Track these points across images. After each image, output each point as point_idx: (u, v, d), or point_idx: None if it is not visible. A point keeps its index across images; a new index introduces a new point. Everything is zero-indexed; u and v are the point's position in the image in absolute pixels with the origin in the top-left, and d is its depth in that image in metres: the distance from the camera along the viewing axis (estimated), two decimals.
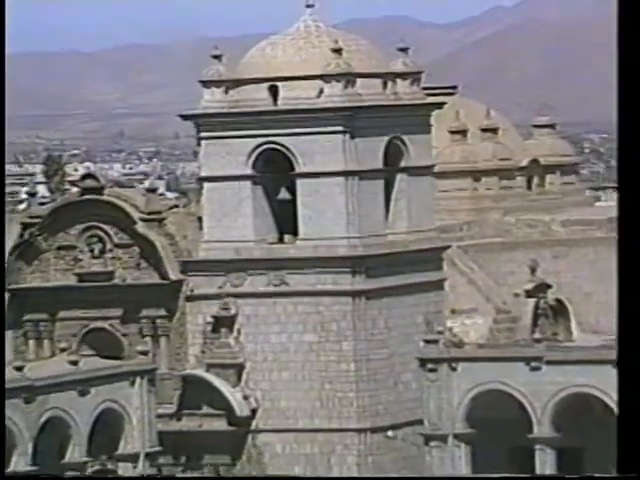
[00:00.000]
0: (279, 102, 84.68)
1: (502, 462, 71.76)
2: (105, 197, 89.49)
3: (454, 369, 71.74)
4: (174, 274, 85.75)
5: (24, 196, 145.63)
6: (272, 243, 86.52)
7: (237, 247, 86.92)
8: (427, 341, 74.33)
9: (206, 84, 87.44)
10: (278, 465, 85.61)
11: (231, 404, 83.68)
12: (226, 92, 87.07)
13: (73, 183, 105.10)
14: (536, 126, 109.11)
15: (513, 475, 56.74)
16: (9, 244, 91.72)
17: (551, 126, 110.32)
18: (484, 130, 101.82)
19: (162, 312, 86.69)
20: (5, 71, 40.76)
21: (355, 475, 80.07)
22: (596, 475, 57.32)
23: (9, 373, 73.12)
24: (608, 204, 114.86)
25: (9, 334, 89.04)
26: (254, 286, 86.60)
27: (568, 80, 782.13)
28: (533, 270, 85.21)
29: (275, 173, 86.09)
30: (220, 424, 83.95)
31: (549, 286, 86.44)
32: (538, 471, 70.69)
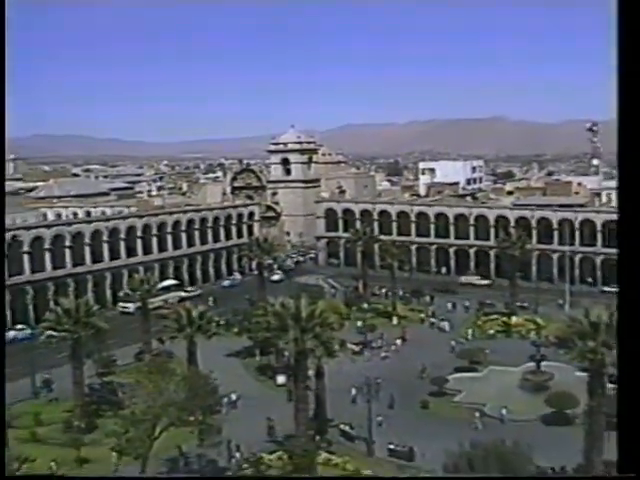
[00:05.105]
0: (288, 148, 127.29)
1: None
2: (251, 167, 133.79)
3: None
4: (264, 183, 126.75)
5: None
6: (286, 175, 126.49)
7: (277, 179, 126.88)
8: (316, 201, 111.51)
9: (271, 144, 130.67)
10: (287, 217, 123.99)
11: (276, 209, 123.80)
12: (275, 145, 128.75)
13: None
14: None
15: (514, 476, 31.30)
16: (230, 177, 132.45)
17: (345, 162, 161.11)
18: (329, 154, 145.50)
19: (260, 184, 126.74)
20: (5, 70, 24.22)
21: None
22: (596, 475, 34.17)
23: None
24: (361, 171, 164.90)
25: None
26: (281, 184, 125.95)
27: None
28: (340, 187, 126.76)
29: (285, 160, 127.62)
30: (275, 215, 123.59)
31: (341, 185, 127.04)
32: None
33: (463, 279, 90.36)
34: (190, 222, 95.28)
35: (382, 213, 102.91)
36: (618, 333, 18.16)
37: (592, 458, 33.40)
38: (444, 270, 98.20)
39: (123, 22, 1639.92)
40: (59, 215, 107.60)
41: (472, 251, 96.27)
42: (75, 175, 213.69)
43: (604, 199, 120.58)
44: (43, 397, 52.13)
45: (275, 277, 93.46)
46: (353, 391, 47.75)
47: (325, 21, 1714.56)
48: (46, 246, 75.77)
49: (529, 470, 31.28)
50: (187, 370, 42.97)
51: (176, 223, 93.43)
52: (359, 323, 67.38)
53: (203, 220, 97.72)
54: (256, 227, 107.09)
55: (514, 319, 68.39)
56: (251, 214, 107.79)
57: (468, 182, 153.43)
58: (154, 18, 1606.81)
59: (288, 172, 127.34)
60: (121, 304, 75.89)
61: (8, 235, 71.65)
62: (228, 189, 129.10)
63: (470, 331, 66.92)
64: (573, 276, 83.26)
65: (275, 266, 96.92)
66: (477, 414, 45.00)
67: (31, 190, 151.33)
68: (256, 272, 78.21)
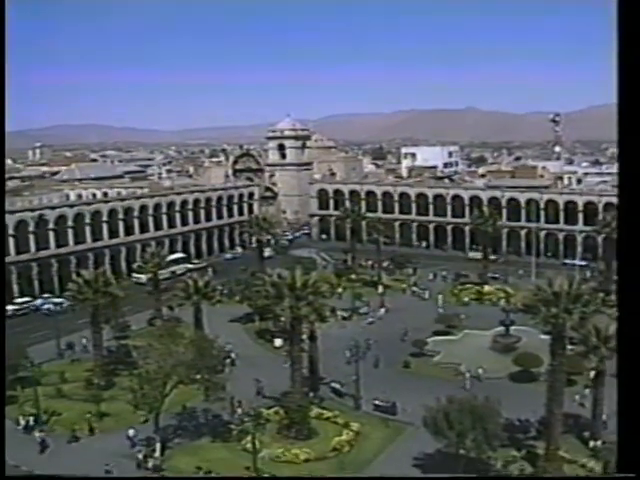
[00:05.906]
0: (284, 135, 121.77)
1: None
2: (251, 152, 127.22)
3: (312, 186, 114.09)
4: (263, 166, 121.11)
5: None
6: (282, 159, 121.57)
7: (274, 162, 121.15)
8: (310, 182, 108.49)
9: (269, 131, 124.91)
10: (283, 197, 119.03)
11: (274, 189, 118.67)
12: (273, 132, 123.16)
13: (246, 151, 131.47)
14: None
15: (513, 475, 31.12)
16: (231, 161, 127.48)
17: (335, 147, 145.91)
18: (321, 140, 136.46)
19: (259, 167, 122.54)
20: (5, 68, 19.31)
21: None
22: (596, 475, 31.31)
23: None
24: (349, 155, 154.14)
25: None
26: (278, 167, 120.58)
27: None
28: (331, 169, 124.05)
29: (281, 146, 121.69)
30: (272, 195, 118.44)
31: (331, 168, 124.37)
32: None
33: (471, 255, 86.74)
34: (196, 201, 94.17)
35: (369, 193, 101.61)
36: (618, 333, 15.67)
37: (553, 411, 33.37)
38: (424, 244, 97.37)
39: (134, 25, 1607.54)
40: (80, 196, 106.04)
41: (449, 227, 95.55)
42: (93, 160, 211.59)
43: (565, 181, 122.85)
44: (67, 357, 51.96)
45: (265, 254, 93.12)
46: (347, 353, 46.97)
47: (319, 22, 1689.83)
48: (69, 223, 75.32)
49: (497, 421, 31.12)
50: (194, 334, 42.68)
51: (184, 202, 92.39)
52: (339, 289, 66.25)
53: (208, 199, 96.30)
54: (255, 206, 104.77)
55: (486, 288, 68.32)
56: (251, 194, 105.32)
57: (445, 166, 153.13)
58: (162, 21, 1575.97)
59: (284, 156, 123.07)
60: (135, 275, 74.93)
61: (35, 214, 71.91)
62: (230, 172, 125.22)
63: (447, 298, 66.21)
64: (538, 250, 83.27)
65: (272, 242, 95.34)
66: (468, 375, 44.46)
67: (55, 174, 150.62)
68: (256, 246, 76.99)
